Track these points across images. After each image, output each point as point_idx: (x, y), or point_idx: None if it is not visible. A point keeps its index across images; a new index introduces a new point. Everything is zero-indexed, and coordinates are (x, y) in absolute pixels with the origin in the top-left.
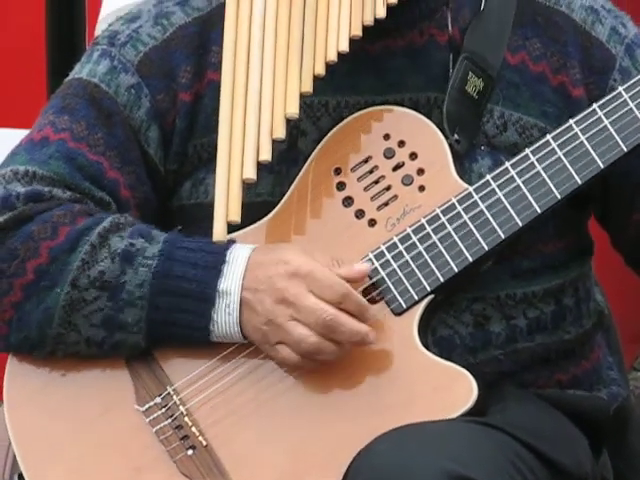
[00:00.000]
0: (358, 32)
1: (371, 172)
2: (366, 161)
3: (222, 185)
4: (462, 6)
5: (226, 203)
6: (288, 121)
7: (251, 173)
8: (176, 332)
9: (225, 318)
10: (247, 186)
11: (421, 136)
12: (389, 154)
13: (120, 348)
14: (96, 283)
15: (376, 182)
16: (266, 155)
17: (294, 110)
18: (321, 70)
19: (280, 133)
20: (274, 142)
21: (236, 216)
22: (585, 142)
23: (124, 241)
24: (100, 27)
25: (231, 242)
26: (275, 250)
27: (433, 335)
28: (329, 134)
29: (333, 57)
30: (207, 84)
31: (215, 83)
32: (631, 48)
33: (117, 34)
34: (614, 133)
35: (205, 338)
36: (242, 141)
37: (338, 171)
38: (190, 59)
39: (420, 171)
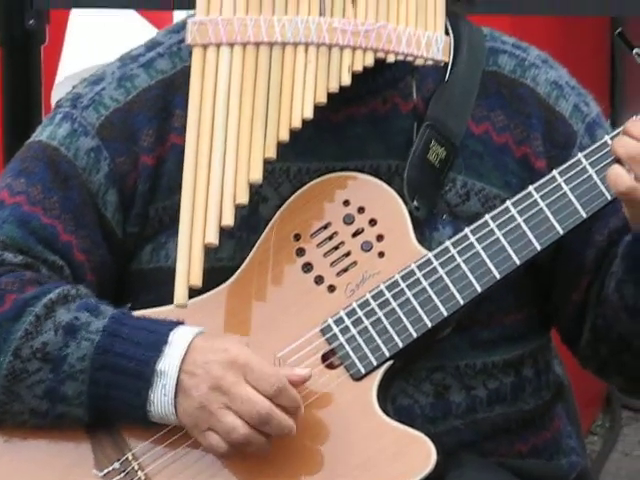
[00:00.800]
0: (323, 99)
1: (331, 238)
2: (326, 227)
3: (184, 249)
4: (426, 76)
5: (188, 267)
6: (251, 186)
7: (213, 238)
8: (116, 408)
9: (161, 398)
10: (208, 251)
11: (381, 202)
12: (349, 220)
13: (64, 420)
14: (38, 354)
15: (336, 248)
16: (228, 220)
17: (258, 176)
18: (285, 136)
19: (243, 199)
20: (237, 207)
21: (197, 280)
22: (545, 208)
23: (70, 314)
24: (56, 92)
25: (178, 323)
26: (218, 338)
27: (393, 404)
28: (289, 200)
29: (297, 124)
30: (170, 148)
31: (178, 147)
32: (592, 127)
33: (80, 96)
34: (574, 200)
35: (143, 417)
36: (205, 206)
37: (298, 237)
38: (152, 122)
39: (379, 237)
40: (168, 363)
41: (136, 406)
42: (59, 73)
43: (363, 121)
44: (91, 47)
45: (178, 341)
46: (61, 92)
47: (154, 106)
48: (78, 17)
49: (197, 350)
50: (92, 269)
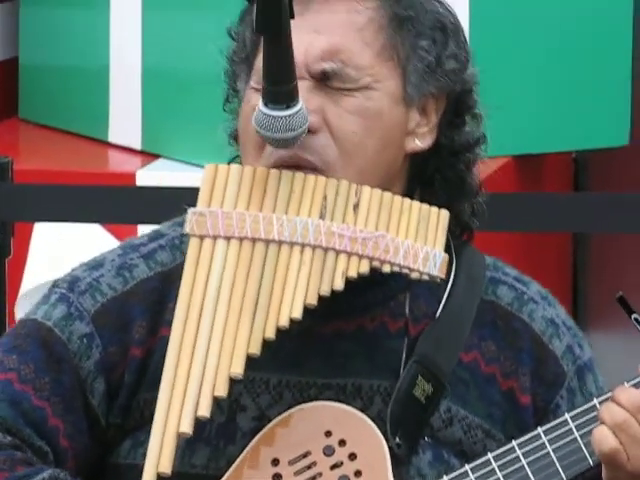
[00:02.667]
0: (313, 302)
1: (309, 467)
2: (305, 455)
3: (157, 435)
4: (418, 296)
5: (158, 454)
6: (232, 380)
7: (187, 427)
8: None
9: None
10: (182, 451)
11: (362, 438)
12: (329, 452)
13: None
14: None
15: (313, 478)
16: (204, 411)
17: (239, 370)
18: (271, 334)
19: (222, 392)
20: (215, 400)
21: (167, 469)
22: (526, 467)
23: None
24: (19, 304)
25: None
26: None
27: None
28: (272, 422)
29: (285, 323)
30: (159, 340)
31: (167, 339)
32: (582, 371)
33: (78, 280)
34: (556, 461)
35: None
36: (183, 394)
37: (276, 462)
38: (146, 314)
39: (357, 473)
40: None
41: None
42: (23, 285)
43: (349, 337)
44: (55, 260)
45: None
46: (24, 305)
47: (150, 298)
48: (42, 230)
49: None
50: (74, 456)
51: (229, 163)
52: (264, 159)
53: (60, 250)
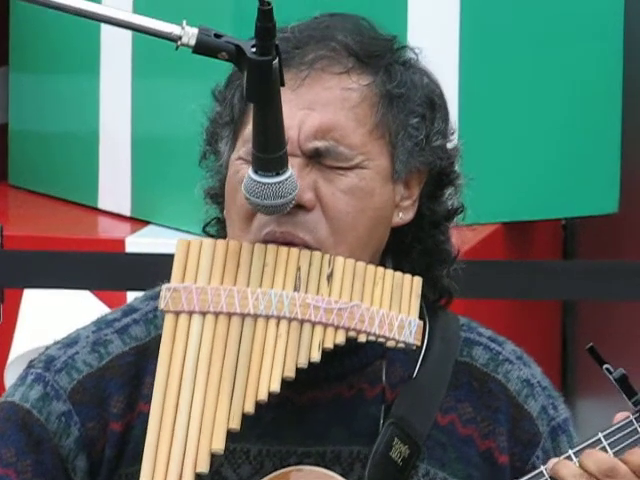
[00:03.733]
0: (291, 374)
1: None
2: None
3: None
4: (395, 360)
5: None
6: (213, 455)
7: None
8: None
9: None
10: None
11: None
12: None
13: None
14: None
15: None
16: None
17: (220, 446)
18: (250, 408)
19: (204, 467)
20: (197, 476)
21: None
22: None
23: None
24: (8, 371)
25: None
26: None
27: None
28: None
29: (264, 397)
30: (138, 415)
31: (145, 414)
32: (555, 432)
33: (53, 359)
34: None
35: None
36: (165, 471)
37: None
38: (123, 389)
39: None
40: None
41: None
42: (12, 352)
43: (327, 405)
44: (45, 326)
45: None
46: (13, 371)
47: (126, 373)
48: (32, 296)
49: None
50: None
51: (205, 226)
52: (252, 233)
53: (50, 316)
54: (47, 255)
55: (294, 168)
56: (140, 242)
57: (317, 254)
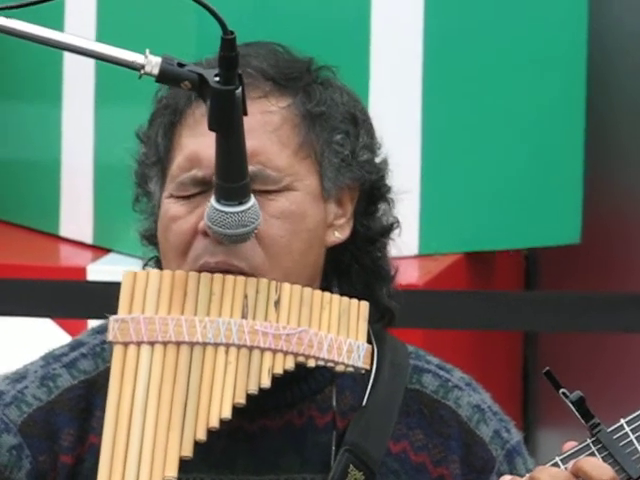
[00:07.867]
0: (242, 400)
1: None
2: None
3: None
4: (344, 389)
5: None
6: None
7: None
8: None
9: None
10: None
11: None
12: None
13: None
14: None
15: None
16: None
17: (173, 474)
18: (202, 435)
19: None
20: None
21: None
22: None
23: None
24: None
25: None
26: None
27: None
28: None
29: (215, 423)
30: (88, 448)
31: (96, 447)
32: (511, 454)
33: (2, 394)
34: None
35: None
36: None
37: None
38: (73, 422)
39: None
40: None
41: None
42: None
43: (278, 433)
44: (5, 354)
45: None
46: None
47: (76, 406)
48: None
49: None
50: None
51: (145, 265)
52: (187, 265)
53: (10, 344)
54: (7, 282)
55: None
56: (101, 270)
57: (264, 281)
